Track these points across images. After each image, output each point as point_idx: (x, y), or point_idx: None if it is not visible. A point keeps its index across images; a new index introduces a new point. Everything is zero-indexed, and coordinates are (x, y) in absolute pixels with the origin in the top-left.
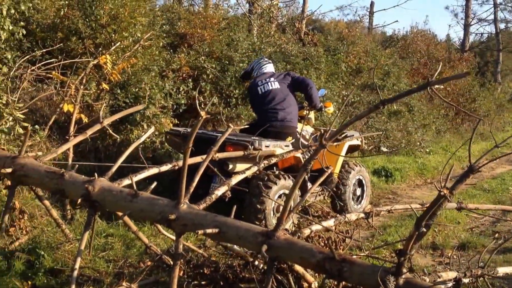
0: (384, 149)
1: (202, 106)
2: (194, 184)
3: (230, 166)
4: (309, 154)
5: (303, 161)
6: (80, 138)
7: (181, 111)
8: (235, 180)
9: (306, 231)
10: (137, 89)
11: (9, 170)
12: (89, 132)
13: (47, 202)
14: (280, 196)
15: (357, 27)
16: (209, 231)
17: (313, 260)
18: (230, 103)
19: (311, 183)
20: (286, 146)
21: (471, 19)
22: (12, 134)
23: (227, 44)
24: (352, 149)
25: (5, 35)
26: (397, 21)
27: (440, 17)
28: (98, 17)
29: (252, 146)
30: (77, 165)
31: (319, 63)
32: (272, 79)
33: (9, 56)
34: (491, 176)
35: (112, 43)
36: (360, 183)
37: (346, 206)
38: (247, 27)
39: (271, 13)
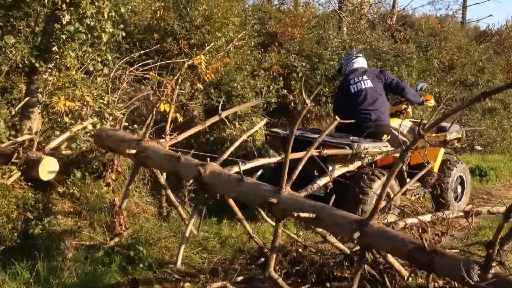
0: (478, 148)
1: (292, 104)
2: (297, 172)
3: (330, 168)
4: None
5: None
6: (199, 128)
7: (271, 109)
8: (337, 172)
9: (401, 223)
10: (230, 88)
11: (133, 151)
12: (208, 122)
13: (165, 184)
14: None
15: (449, 22)
16: (306, 215)
17: (404, 249)
18: (320, 101)
19: (409, 178)
20: (384, 146)
21: None
22: None
23: (317, 42)
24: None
25: (106, 37)
26: (491, 15)
27: None
28: (193, 18)
29: (352, 150)
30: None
31: (411, 60)
32: (365, 77)
33: (110, 58)
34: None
35: (206, 44)
36: (461, 181)
37: (446, 205)
38: (337, 25)
39: (362, 10)
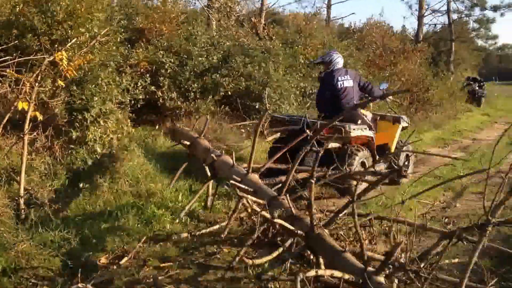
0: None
1: (161, 101)
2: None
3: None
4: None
5: (371, 140)
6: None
7: (139, 106)
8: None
9: None
10: (93, 86)
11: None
12: None
13: None
14: (361, 163)
15: (314, 19)
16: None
17: None
18: (189, 97)
19: (378, 155)
20: (365, 129)
21: (425, 10)
22: None
23: (186, 39)
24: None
25: None
26: (354, 13)
27: (395, 9)
28: (55, 13)
29: (344, 130)
30: None
31: (277, 56)
32: (348, 76)
33: None
34: (443, 163)
35: (68, 39)
36: (408, 157)
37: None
38: (206, 21)
39: (228, 7)
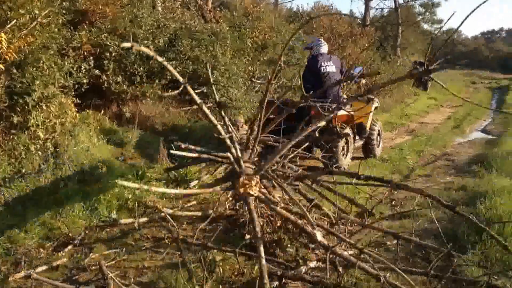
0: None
1: (106, 85)
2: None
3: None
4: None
5: (352, 118)
6: None
7: (83, 90)
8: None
9: None
10: (34, 69)
11: None
12: None
13: None
14: (345, 141)
15: (262, 3)
16: None
17: None
18: (135, 81)
19: (357, 134)
20: (349, 111)
21: None
22: None
23: (131, 21)
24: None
25: None
26: None
27: None
28: None
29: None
30: None
31: (225, 40)
32: (331, 62)
33: None
34: (390, 146)
35: (8, 21)
36: (379, 133)
37: (373, 148)
38: (151, 3)
39: None
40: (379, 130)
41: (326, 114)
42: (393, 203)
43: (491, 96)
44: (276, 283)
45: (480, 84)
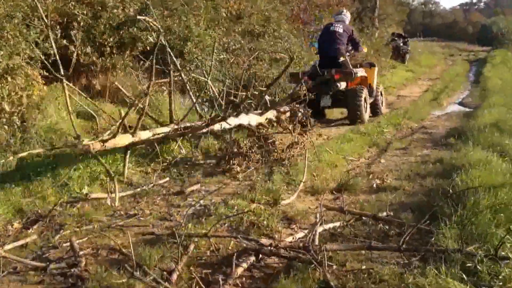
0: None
1: (74, 56)
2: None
3: (338, 84)
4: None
5: (365, 79)
6: None
7: (50, 61)
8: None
9: None
10: None
11: None
12: None
13: None
14: (364, 99)
15: None
16: None
17: None
18: (105, 52)
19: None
20: (361, 70)
21: None
22: None
23: None
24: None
25: None
26: None
27: None
28: None
29: (355, 74)
30: None
31: (198, 9)
32: (340, 25)
33: None
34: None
35: None
36: (381, 94)
37: (379, 106)
38: None
39: None
40: (381, 92)
41: (352, 72)
42: (370, 176)
43: (469, 68)
44: (252, 258)
45: (458, 56)
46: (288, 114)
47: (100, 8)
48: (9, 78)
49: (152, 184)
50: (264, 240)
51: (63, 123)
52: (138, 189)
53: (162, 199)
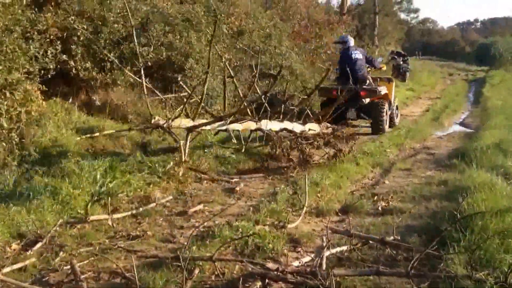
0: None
1: (74, 71)
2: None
3: (363, 100)
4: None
5: (386, 95)
6: None
7: (49, 76)
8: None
9: None
10: None
11: None
12: None
13: None
14: (385, 112)
15: None
16: None
17: None
18: (105, 67)
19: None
20: (383, 88)
21: None
22: None
23: (100, 3)
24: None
25: None
26: None
27: None
28: None
29: (379, 92)
30: None
31: (200, 25)
32: (358, 51)
33: None
34: (370, 139)
35: None
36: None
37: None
38: None
39: None
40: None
41: (374, 90)
42: (375, 198)
43: (468, 88)
44: (259, 284)
45: (457, 76)
46: (330, 130)
47: (100, 23)
48: (7, 93)
49: (154, 204)
50: (270, 265)
51: (62, 139)
52: (141, 209)
53: (164, 220)
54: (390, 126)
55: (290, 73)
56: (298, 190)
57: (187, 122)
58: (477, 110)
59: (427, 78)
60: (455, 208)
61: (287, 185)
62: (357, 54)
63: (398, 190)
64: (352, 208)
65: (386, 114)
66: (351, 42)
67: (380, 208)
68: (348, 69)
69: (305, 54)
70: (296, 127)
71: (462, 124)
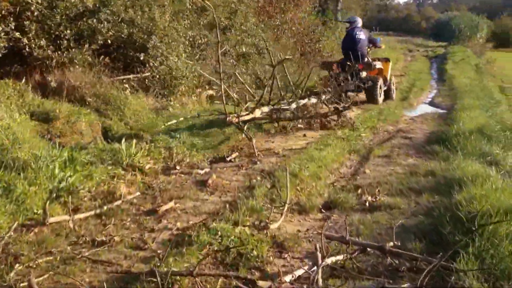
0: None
1: (27, 49)
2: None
3: (361, 73)
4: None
5: (382, 70)
6: None
7: (1, 55)
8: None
9: None
10: None
11: None
12: None
13: None
14: (379, 86)
15: None
16: None
17: None
18: (61, 45)
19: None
20: (379, 63)
21: None
22: None
23: None
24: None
25: None
26: None
27: None
28: None
29: (374, 66)
30: None
31: (163, 1)
32: (362, 32)
33: None
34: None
35: None
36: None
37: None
38: None
39: None
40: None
41: (372, 64)
42: (359, 191)
43: (430, 65)
44: None
45: (416, 52)
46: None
47: None
48: None
49: (120, 201)
50: (262, 283)
51: (15, 126)
52: (105, 208)
53: (132, 221)
54: (387, 99)
55: (258, 53)
56: (277, 183)
57: (248, 116)
58: (444, 89)
59: (388, 54)
60: (449, 203)
61: (263, 177)
62: (361, 35)
63: (382, 181)
64: (336, 204)
65: (381, 88)
66: (359, 23)
67: (367, 204)
68: (350, 48)
69: (269, 31)
70: (310, 102)
71: (432, 104)
